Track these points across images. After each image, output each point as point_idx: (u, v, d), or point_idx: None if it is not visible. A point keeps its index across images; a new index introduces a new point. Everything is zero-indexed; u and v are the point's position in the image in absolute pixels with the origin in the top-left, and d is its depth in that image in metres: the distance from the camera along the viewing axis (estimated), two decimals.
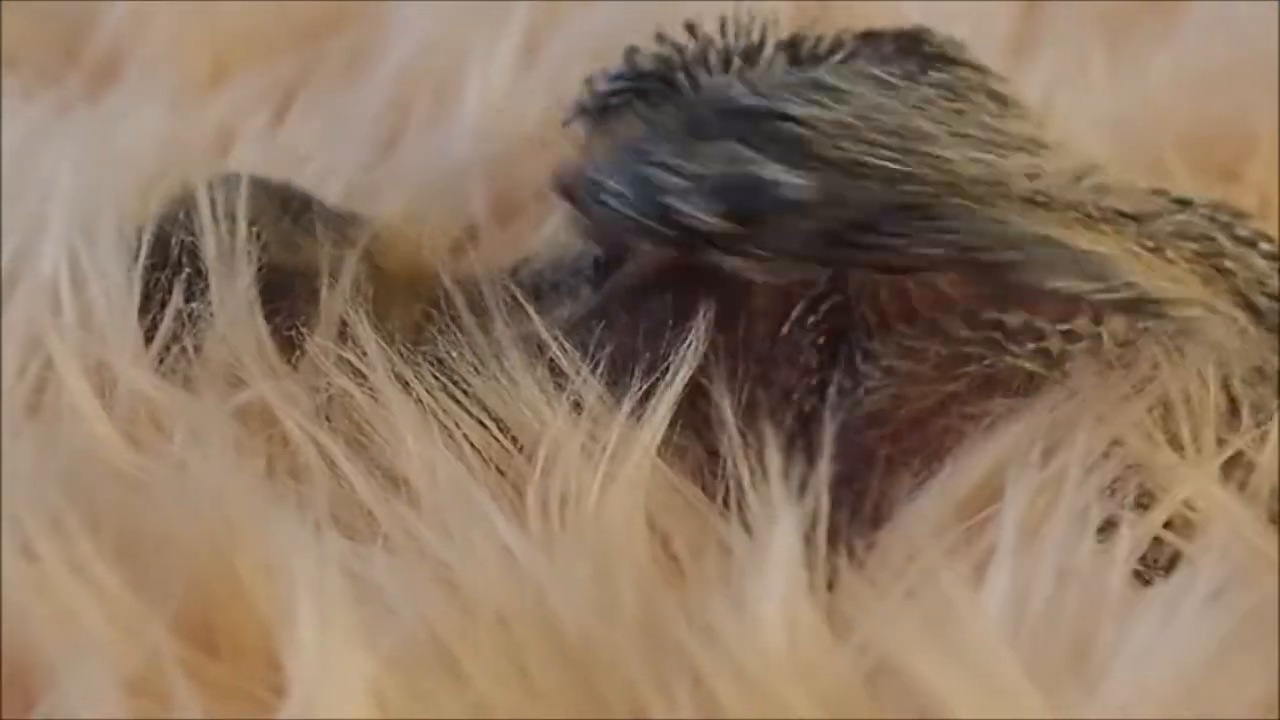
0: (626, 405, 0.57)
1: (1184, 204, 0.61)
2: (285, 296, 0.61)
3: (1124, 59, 0.80)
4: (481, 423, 0.58)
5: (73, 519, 0.53)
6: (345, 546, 0.54)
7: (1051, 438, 0.55)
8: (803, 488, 0.52)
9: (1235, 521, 0.55)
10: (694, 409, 0.57)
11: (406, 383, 0.58)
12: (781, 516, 0.51)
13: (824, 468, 0.53)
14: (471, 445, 0.58)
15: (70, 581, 0.52)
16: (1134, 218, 0.59)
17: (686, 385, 0.57)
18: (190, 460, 0.55)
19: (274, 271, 0.61)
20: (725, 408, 0.55)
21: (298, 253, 0.62)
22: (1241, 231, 0.60)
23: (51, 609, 0.52)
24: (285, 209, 0.64)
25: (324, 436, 0.58)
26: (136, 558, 0.53)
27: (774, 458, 0.53)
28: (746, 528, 0.54)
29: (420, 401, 0.58)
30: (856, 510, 0.55)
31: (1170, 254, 0.58)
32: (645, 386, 0.57)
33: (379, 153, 0.75)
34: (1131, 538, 0.54)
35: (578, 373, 0.58)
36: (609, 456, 0.56)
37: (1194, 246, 0.59)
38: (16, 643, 0.51)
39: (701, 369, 0.57)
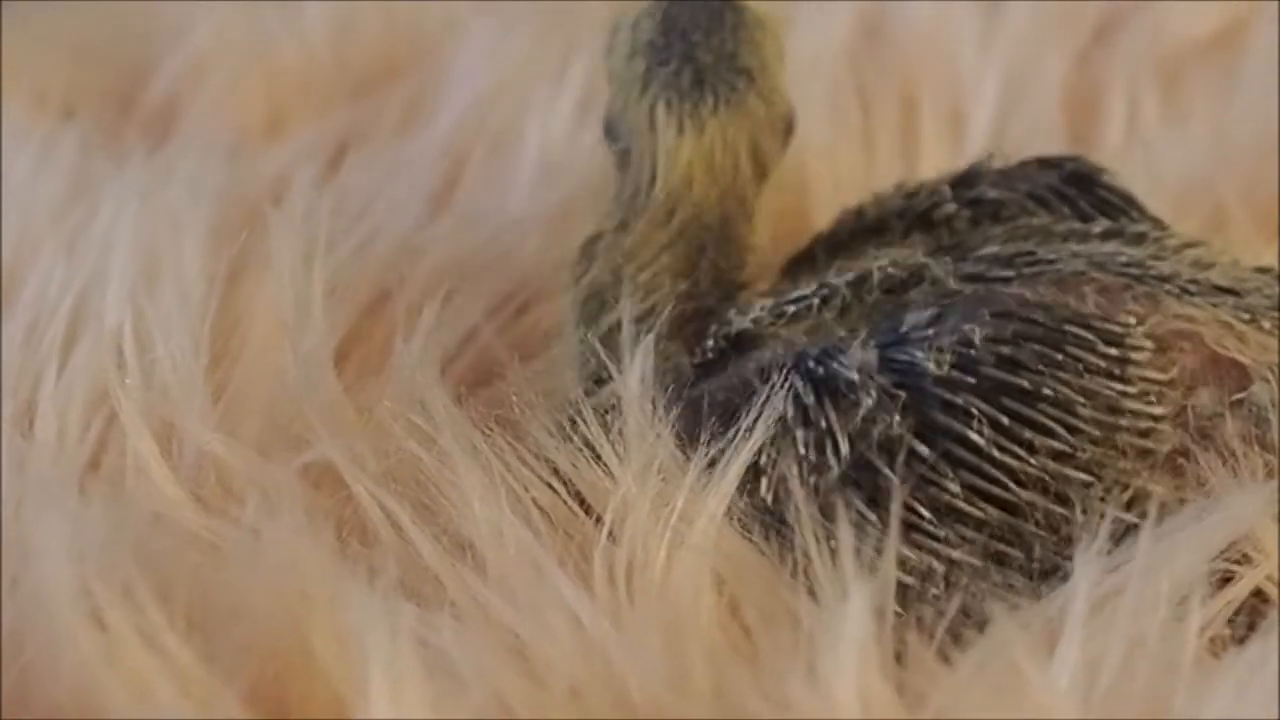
0: (695, 469, 0.57)
1: None
2: None
3: (1182, 110, 0.80)
4: (550, 485, 0.58)
5: (143, 588, 0.52)
6: (416, 615, 0.54)
7: (1122, 505, 0.55)
8: (874, 562, 0.52)
9: None
10: (762, 478, 0.57)
11: (475, 445, 0.58)
12: (854, 592, 0.51)
13: (894, 542, 0.53)
14: (539, 509, 0.58)
15: (142, 652, 0.52)
16: (1232, 291, 0.59)
17: (755, 453, 0.56)
18: (262, 528, 0.55)
19: None
20: (794, 479, 0.55)
21: None
22: None
23: (123, 680, 0.51)
24: None
25: (391, 501, 0.58)
26: (208, 628, 0.53)
27: (845, 532, 0.53)
28: (816, 598, 0.54)
29: (488, 464, 0.58)
30: (918, 603, 0.55)
31: (1267, 325, 0.58)
32: (714, 451, 0.57)
33: (434, 205, 0.75)
34: (1203, 610, 0.54)
35: (651, 430, 0.57)
36: (676, 521, 0.56)
37: None
38: (88, 714, 0.52)
39: (771, 439, 0.56)
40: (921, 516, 0.55)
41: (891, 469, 0.55)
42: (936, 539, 0.55)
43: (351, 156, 0.79)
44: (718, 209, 0.63)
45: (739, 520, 0.56)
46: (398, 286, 0.68)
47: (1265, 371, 0.57)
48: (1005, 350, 0.56)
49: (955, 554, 0.55)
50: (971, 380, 0.56)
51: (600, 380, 0.60)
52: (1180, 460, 0.56)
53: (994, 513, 0.55)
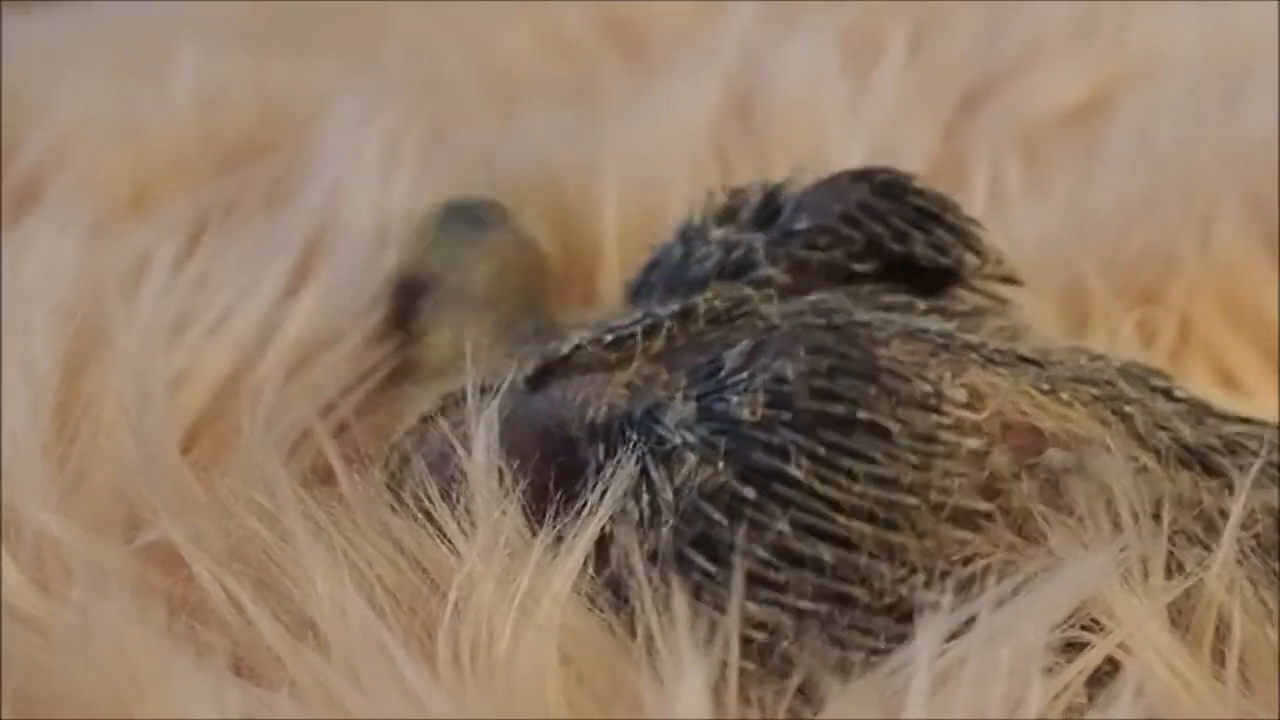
0: (540, 546, 0.56)
1: (1098, 358, 0.61)
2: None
3: (1045, 181, 0.80)
4: (394, 562, 0.57)
5: None
6: (251, 695, 0.54)
7: (962, 579, 0.55)
8: (712, 637, 0.52)
9: (1161, 658, 0.55)
10: (606, 552, 0.56)
11: (318, 523, 0.58)
12: (688, 669, 0.51)
13: (734, 616, 0.53)
14: (384, 586, 0.57)
15: None
16: (1035, 362, 0.59)
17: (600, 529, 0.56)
18: (90, 608, 0.54)
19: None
20: (634, 553, 0.55)
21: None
22: (1156, 382, 0.61)
23: None
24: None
25: (231, 580, 0.57)
26: (37, 715, 0.52)
27: (681, 607, 0.52)
28: (658, 676, 0.53)
29: (331, 542, 0.57)
30: (766, 658, 0.54)
31: (1065, 396, 0.58)
32: (559, 528, 0.56)
33: (294, 280, 0.74)
34: (1049, 680, 0.54)
35: (497, 505, 0.57)
36: (522, 600, 0.55)
37: (1093, 390, 0.59)
38: None
39: (613, 515, 0.56)
40: (759, 561, 0.55)
41: (725, 518, 0.55)
42: (777, 587, 0.55)
43: (214, 232, 0.78)
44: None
45: (586, 596, 0.56)
46: (251, 364, 0.67)
47: (1063, 438, 0.57)
48: (819, 383, 0.56)
49: (802, 603, 0.55)
50: (786, 416, 0.56)
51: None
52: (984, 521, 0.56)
53: (827, 549, 0.55)
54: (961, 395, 0.57)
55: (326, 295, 0.73)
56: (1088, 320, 0.73)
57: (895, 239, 0.63)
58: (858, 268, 0.63)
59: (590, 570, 0.56)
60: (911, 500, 0.56)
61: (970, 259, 0.64)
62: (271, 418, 0.63)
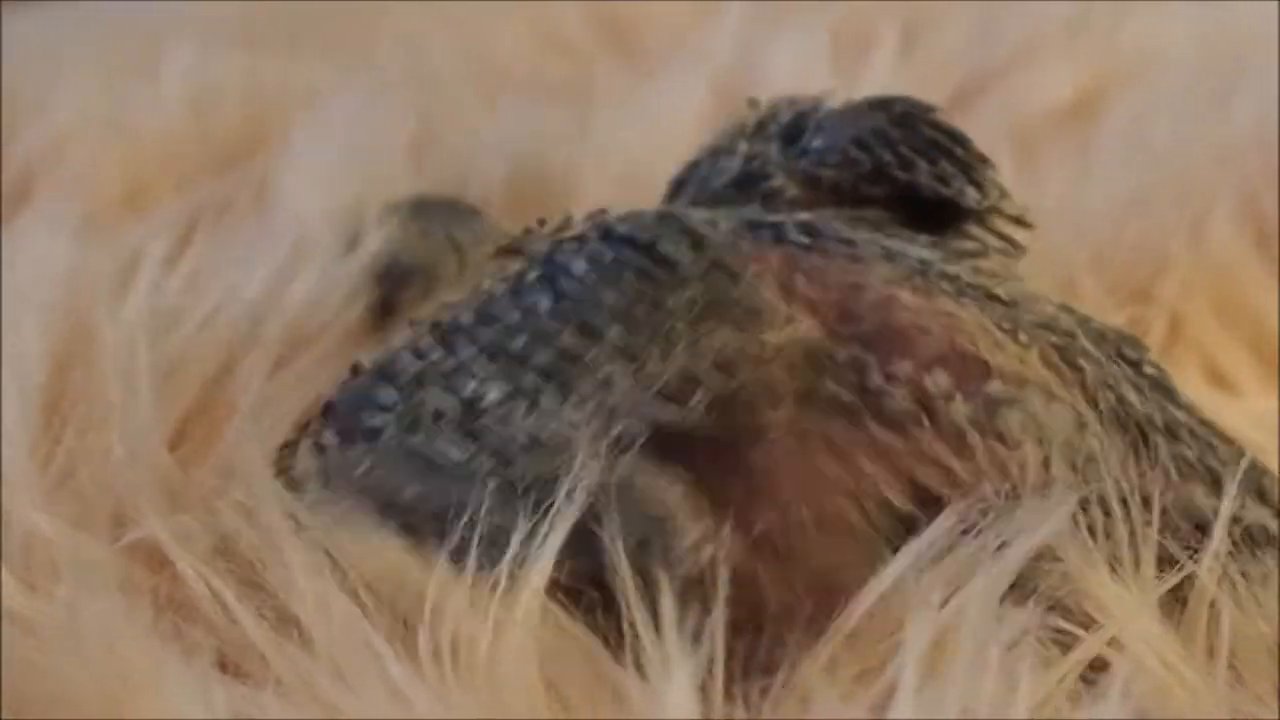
0: (517, 540, 0.56)
1: (1081, 319, 0.61)
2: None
3: (1037, 179, 0.80)
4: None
5: None
6: (237, 694, 0.53)
7: (950, 568, 0.55)
8: (698, 635, 0.52)
9: (1152, 652, 0.55)
10: (586, 548, 0.56)
11: (299, 519, 0.58)
12: (676, 667, 0.51)
13: (719, 614, 0.53)
14: (366, 583, 0.57)
15: None
16: (1003, 302, 0.60)
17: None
18: (79, 606, 0.54)
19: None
20: (618, 549, 0.55)
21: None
22: (1129, 353, 0.61)
23: None
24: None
25: (215, 578, 0.57)
26: (31, 714, 0.52)
27: (668, 604, 0.52)
28: (642, 674, 0.53)
29: (314, 538, 0.57)
30: (751, 655, 0.54)
31: (1024, 338, 0.58)
32: (534, 522, 0.56)
33: (284, 277, 0.74)
34: (1033, 679, 0.53)
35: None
36: (500, 596, 0.55)
37: (1052, 338, 0.59)
38: None
39: (593, 508, 0.56)
40: (505, 330, 0.58)
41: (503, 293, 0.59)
42: (510, 355, 0.57)
43: (206, 231, 0.78)
44: None
45: (565, 590, 0.55)
46: (239, 361, 0.67)
47: (1009, 375, 0.57)
48: (646, 220, 0.59)
49: (526, 378, 0.56)
50: (596, 233, 0.59)
51: None
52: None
53: (573, 337, 0.57)
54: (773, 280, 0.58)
55: (316, 293, 0.73)
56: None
57: (901, 166, 0.63)
58: (867, 191, 0.63)
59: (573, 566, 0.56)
60: (671, 323, 0.56)
61: (972, 192, 0.64)
62: (257, 415, 0.63)
